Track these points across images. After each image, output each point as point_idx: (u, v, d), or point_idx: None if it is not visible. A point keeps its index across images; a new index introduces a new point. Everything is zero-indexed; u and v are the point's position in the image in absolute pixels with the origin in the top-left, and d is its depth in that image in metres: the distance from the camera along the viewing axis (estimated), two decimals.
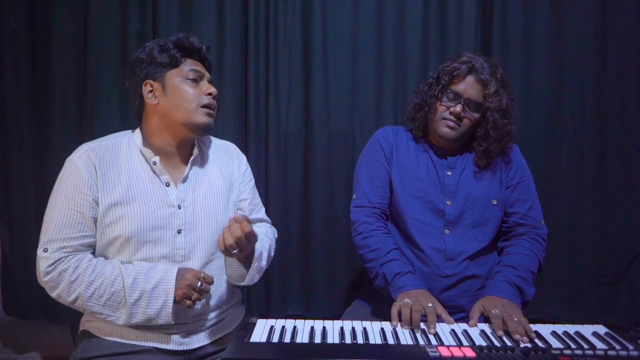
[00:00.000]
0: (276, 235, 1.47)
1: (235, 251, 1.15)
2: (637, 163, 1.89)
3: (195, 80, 1.25)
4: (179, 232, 1.23)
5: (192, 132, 1.25)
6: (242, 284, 1.31)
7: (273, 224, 1.89)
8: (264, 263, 1.33)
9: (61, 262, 1.15)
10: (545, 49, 1.90)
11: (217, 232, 1.27)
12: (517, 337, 1.05)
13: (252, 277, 1.28)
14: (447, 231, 1.35)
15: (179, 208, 1.24)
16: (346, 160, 1.97)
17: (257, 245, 1.25)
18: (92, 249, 1.23)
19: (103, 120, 1.99)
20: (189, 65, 1.25)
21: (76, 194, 1.17)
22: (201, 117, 1.23)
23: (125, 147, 1.25)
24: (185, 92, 1.23)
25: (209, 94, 1.25)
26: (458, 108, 1.35)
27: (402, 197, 1.40)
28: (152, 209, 1.21)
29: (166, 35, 1.97)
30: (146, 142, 1.27)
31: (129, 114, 1.91)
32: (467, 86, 1.36)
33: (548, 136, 1.92)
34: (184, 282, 1.16)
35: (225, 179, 1.36)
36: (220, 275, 1.33)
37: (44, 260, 1.15)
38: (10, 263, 2.09)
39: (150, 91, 1.25)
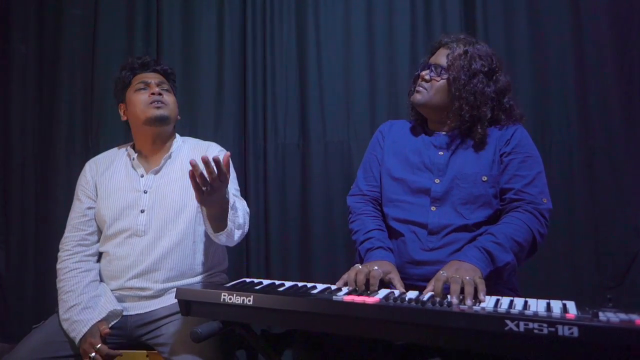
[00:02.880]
0: (247, 210, 1.49)
1: (207, 187, 1.19)
2: (626, 164, 1.91)
3: (144, 89, 1.50)
4: (142, 211, 1.44)
5: (150, 125, 1.48)
6: (222, 234, 1.34)
7: (272, 232, 1.97)
8: (240, 218, 1.37)
9: (62, 261, 1.44)
10: (526, 58, 1.98)
11: (172, 212, 1.44)
12: (454, 300, 0.97)
13: (231, 229, 1.32)
14: (433, 208, 1.32)
15: (145, 192, 1.47)
16: (343, 169, 2.02)
17: (230, 195, 1.32)
18: (89, 241, 1.47)
19: (109, 141, 2.06)
20: (137, 80, 1.53)
21: (80, 188, 1.51)
22: (151, 111, 1.47)
23: (121, 154, 1.57)
24: (136, 100, 1.50)
25: (152, 93, 1.49)
26: (423, 72, 1.40)
27: (386, 180, 1.41)
28: (124, 194, 1.47)
29: (169, 55, 2.11)
30: (134, 147, 1.57)
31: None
32: (437, 55, 1.43)
33: (536, 143, 1.89)
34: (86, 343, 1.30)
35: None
36: (173, 249, 1.43)
37: (60, 251, 1.46)
38: (3, 284, 2.11)
39: (124, 111, 1.55)
